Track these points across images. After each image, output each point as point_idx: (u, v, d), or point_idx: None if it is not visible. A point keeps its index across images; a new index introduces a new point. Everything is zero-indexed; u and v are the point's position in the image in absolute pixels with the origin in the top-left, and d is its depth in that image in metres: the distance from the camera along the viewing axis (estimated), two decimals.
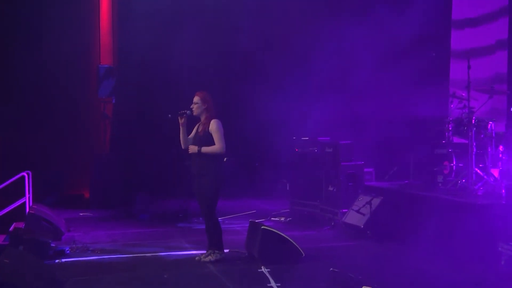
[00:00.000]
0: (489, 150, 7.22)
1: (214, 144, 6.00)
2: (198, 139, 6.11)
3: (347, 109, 10.49)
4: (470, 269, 5.76)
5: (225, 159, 6.20)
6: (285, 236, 6.21)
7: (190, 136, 6.23)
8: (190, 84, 10.14)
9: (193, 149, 6.05)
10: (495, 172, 7.26)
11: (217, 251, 6.15)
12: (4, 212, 7.93)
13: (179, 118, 6.11)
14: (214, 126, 6.02)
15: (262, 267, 5.85)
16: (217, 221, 6.17)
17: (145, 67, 10.90)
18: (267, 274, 5.61)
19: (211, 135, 6.02)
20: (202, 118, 6.15)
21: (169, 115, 6.10)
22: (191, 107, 6.13)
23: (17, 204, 8.02)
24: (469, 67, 7.09)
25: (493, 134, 7.24)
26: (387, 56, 10.24)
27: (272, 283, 5.35)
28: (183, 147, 6.19)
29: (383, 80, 10.29)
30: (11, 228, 7.16)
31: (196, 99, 6.13)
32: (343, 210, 7.87)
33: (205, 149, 6.00)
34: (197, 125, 6.27)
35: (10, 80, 10.53)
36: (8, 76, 10.49)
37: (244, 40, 10.75)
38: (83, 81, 11.06)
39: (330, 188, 8.29)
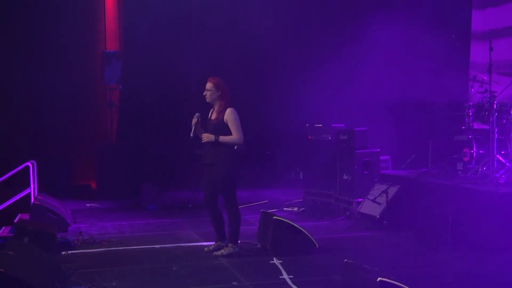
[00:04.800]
0: None
1: (228, 133, 5.77)
2: (212, 128, 5.85)
3: (362, 94, 10.27)
4: (492, 261, 5.57)
5: (235, 147, 5.99)
6: (298, 226, 6.10)
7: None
8: (199, 70, 9.95)
9: (209, 137, 5.79)
10: None
11: (231, 245, 5.95)
12: (8, 203, 7.84)
13: (194, 127, 5.79)
14: (231, 115, 5.77)
15: (274, 258, 5.74)
16: (239, 213, 5.96)
17: (153, 52, 10.63)
18: (280, 266, 5.51)
19: (225, 124, 5.78)
20: (216, 106, 5.90)
21: (191, 135, 5.80)
22: (204, 94, 5.88)
23: (22, 195, 7.94)
24: (490, 49, 6.88)
25: None
26: (404, 39, 9.98)
27: (285, 275, 5.23)
28: (191, 135, 5.87)
29: (400, 64, 10.04)
30: (15, 220, 7.10)
31: (209, 85, 5.87)
32: (358, 200, 7.72)
33: (223, 138, 5.76)
34: (210, 112, 6.02)
35: (13, 67, 10.34)
36: (12, 63, 10.30)
37: (256, 25, 10.48)
38: (88, 68, 10.87)
39: (345, 177, 8.10)
